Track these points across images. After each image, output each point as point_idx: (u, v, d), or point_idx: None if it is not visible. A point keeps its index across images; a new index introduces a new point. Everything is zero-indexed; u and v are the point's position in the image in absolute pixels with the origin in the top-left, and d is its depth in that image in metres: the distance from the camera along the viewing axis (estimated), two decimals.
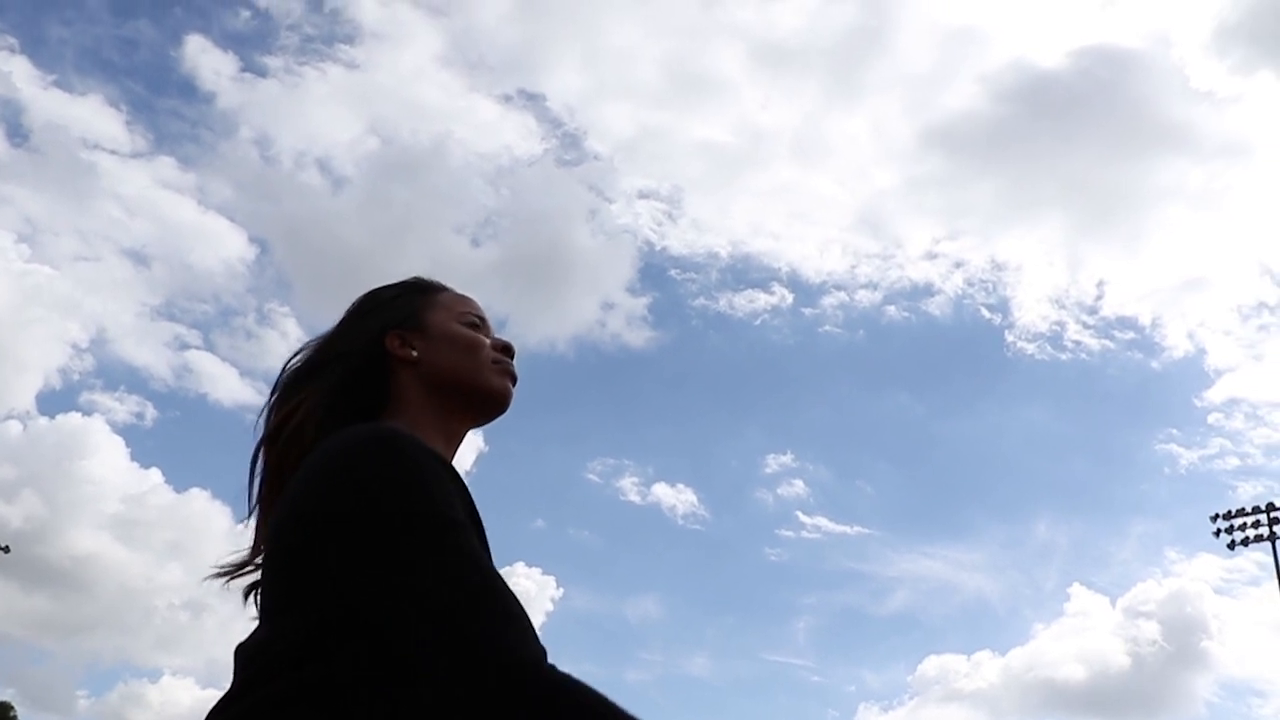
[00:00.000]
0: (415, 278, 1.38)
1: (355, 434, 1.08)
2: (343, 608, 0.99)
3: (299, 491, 1.07)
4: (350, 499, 1.01)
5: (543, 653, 0.93)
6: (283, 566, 1.06)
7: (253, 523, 1.23)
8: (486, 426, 1.34)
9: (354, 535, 0.99)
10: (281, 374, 1.29)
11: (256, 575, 1.18)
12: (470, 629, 0.91)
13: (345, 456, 1.05)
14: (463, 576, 0.95)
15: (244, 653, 1.06)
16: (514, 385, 1.31)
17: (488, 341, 1.31)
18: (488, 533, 1.09)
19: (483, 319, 1.34)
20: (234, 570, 1.22)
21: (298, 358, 1.29)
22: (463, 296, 1.37)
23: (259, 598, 1.13)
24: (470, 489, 1.10)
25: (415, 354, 1.26)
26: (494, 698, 0.89)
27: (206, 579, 1.22)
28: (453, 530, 0.99)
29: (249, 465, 1.24)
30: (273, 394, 1.27)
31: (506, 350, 1.33)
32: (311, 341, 1.31)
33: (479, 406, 1.28)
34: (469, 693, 0.89)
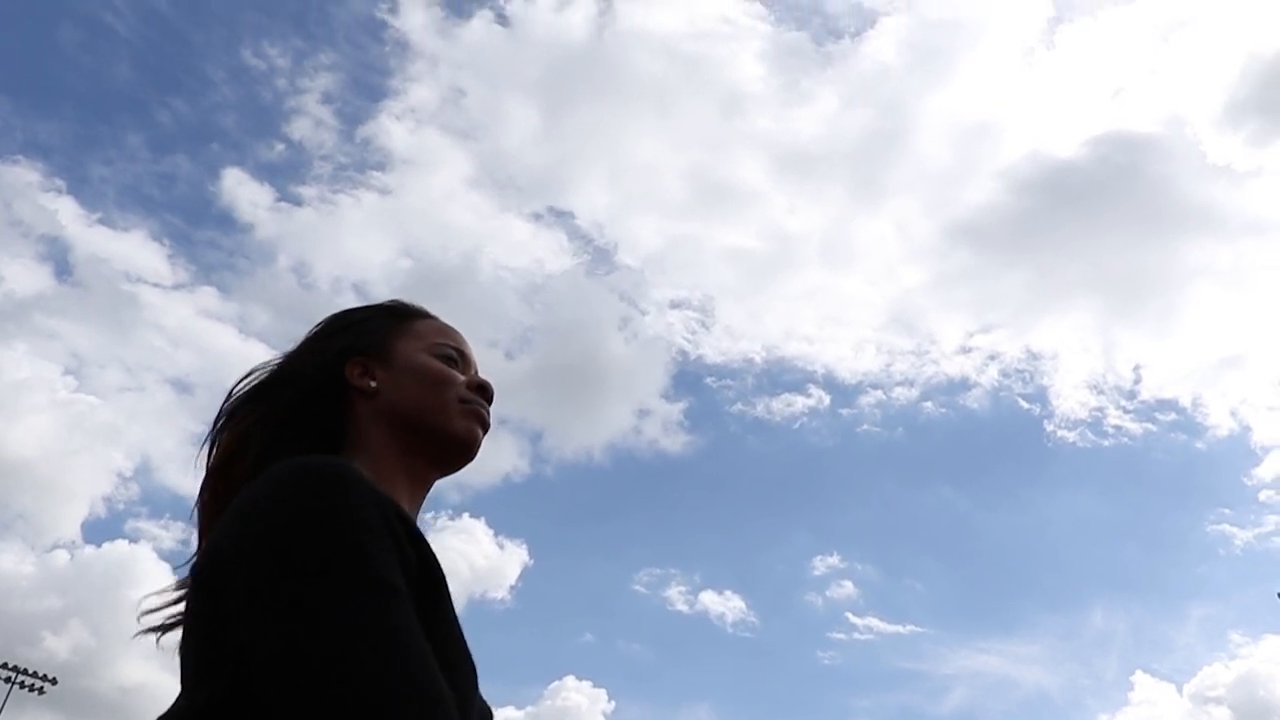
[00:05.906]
0: (394, 300, 1.23)
1: (286, 466, 0.91)
2: (246, 680, 0.81)
3: (217, 533, 0.91)
4: (261, 542, 0.84)
5: None
6: (194, 629, 0.90)
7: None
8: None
9: (256, 584, 0.82)
10: (228, 398, 1.13)
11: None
12: (357, 709, 0.74)
13: (268, 491, 0.88)
14: (369, 647, 0.77)
15: None
16: (484, 432, 1.14)
17: (461, 379, 1.15)
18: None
19: (463, 354, 1.18)
20: (167, 625, 1.05)
21: (247, 379, 1.13)
22: (444, 326, 1.21)
23: (179, 663, 0.96)
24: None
25: (374, 385, 1.11)
26: None
27: (138, 634, 1.05)
28: (374, 590, 0.81)
29: (196, 506, 1.08)
30: (217, 420, 1.11)
31: (482, 390, 1.16)
32: (266, 362, 1.16)
33: (439, 451, 1.11)
34: None
